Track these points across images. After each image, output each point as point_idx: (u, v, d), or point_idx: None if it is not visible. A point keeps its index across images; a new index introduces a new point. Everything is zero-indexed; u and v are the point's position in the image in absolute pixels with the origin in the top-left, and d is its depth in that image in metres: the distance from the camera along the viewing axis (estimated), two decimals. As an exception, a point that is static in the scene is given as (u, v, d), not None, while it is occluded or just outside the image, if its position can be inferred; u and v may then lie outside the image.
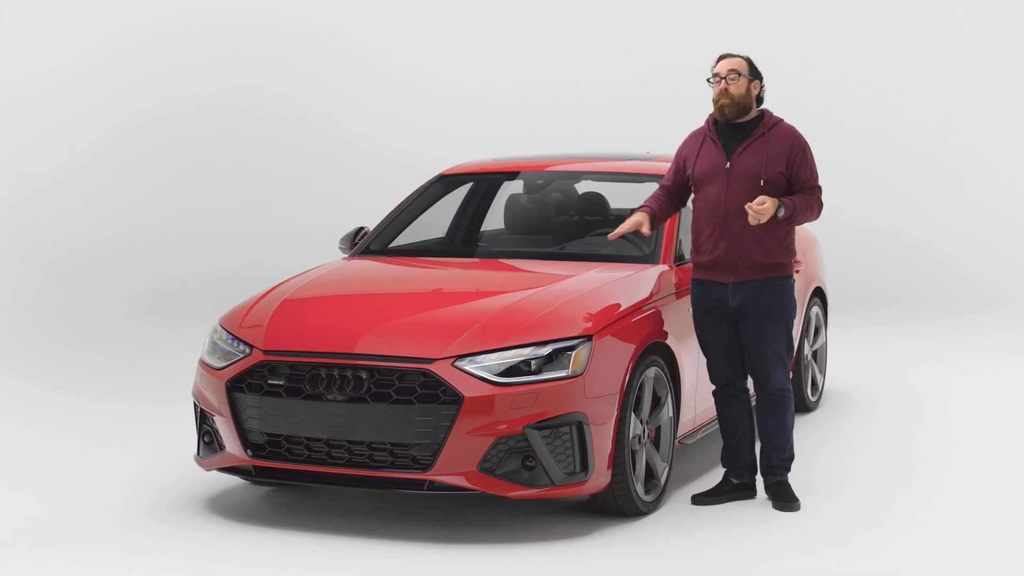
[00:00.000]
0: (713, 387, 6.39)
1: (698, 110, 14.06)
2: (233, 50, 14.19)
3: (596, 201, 7.41)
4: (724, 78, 6.05)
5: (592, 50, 14.48)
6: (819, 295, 8.42)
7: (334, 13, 14.46)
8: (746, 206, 5.91)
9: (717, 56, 6.18)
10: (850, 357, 9.89)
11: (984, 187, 14.00)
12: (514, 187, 7.69)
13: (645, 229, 6.17)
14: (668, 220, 6.69)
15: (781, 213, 5.95)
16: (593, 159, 7.77)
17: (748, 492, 6.34)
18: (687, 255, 6.78)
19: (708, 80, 6.11)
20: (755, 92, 6.13)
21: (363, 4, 14.53)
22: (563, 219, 7.35)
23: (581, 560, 5.50)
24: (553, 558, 5.52)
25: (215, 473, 6.60)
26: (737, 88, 6.06)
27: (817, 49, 14.29)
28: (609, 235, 6.36)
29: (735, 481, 6.34)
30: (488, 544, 5.69)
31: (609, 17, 14.58)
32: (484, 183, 7.81)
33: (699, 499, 6.27)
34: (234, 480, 6.62)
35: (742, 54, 6.18)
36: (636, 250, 6.79)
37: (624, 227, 6.20)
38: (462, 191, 7.77)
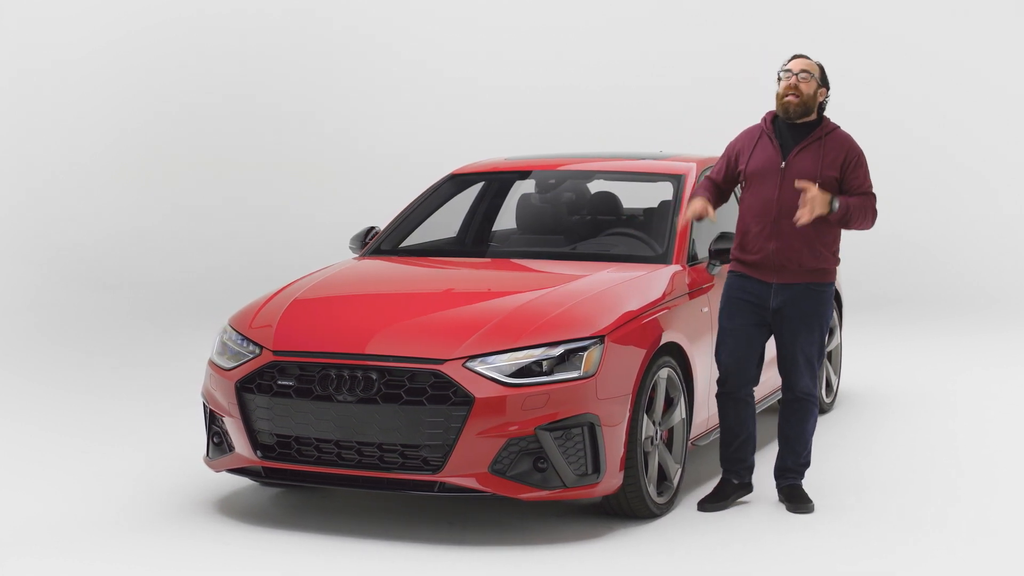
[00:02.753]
0: (720, 388, 6.25)
1: (711, 111, 14.11)
2: (242, 47, 14.18)
3: (608, 201, 7.35)
4: (796, 75, 6.00)
5: (604, 49, 14.46)
6: (835, 296, 8.34)
7: (344, 10, 14.43)
8: (799, 183, 5.84)
9: (791, 54, 6.15)
10: (858, 358, 9.87)
11: (983, 192, 14.07)
12: (526, 187, 7.63)
13: (712, 215, 6.08)
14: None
15: (836, 205, 5.85)
16: (605, 158, 7.71)
17: (746, 489, 6.29)
18: (700, 255, 6.73)
19: (779, 74, 6.05)
20: (820, 99, 6.08)
21: (372, 1, 14.50)
22: (575, 219, 7.30)
23: (592, 562, 5.45)
24: (565, 560, 5.47)
25: (223, 474, 6.55)
26: (808, 87, 6.01)
27: (834, 67, 14.24)
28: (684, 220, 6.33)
29: (735, 482, 6.26)
30: (499, 546, 5.64)
31: (621, 17, 14.55)
32: (495, 182, 7.76)
33: (706, 506, 6.16)
34: (242, 481, 6.57)
35: (817, 61, 6.13)
36: (649, 250, 6.74)
37: (691, 216, 6.10)
38: (473, 191, 7.71)
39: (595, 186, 7.49)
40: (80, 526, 5.92)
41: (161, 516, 6.07)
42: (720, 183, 6.25)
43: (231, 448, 5.94)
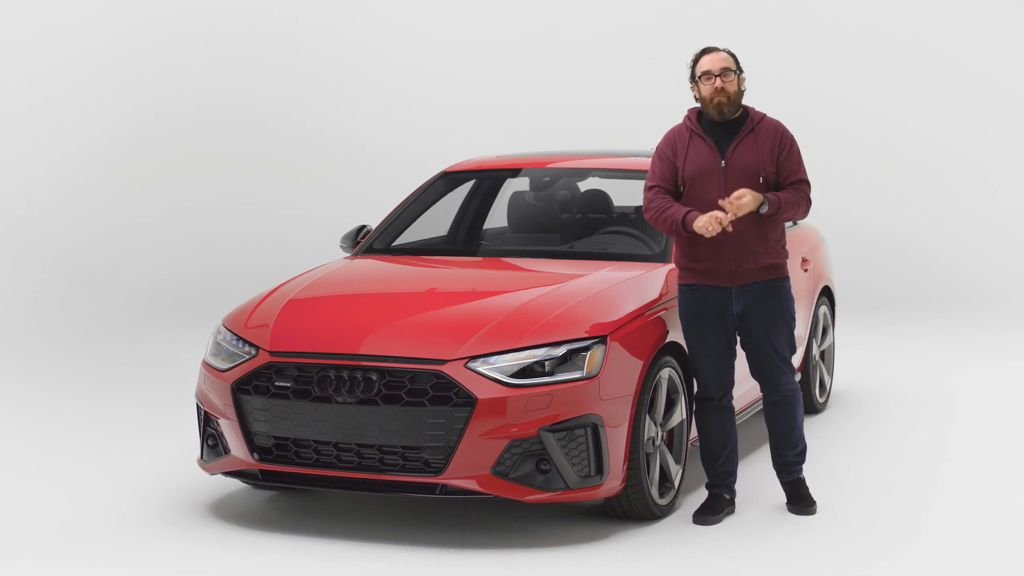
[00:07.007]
0: (702, 403, 6.07)
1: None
2: (234, 48, 14.16)
3: (600, 199, 7.28)
4: (718, 76, 5.85)
5: (598, 48, 14.42)
6: (827, 294, 8.33)
7: (336, 10, 14.37)
8: (720, 201, 5.67)
9: (699, 51, 5.95)
10: (853, 357, 9.84)
11: (978, 193, 14.06)
12: (517, 184, 7.56)
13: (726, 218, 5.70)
14: None
15: (764, 209, 5.71)
16: (597, 155, 7.64)
17: (733, 504, 6.15)
18: None
19: (696, 78, 5.88)
20: (742, 87, 5.95)
21: (362, 1, 14.44)
22: (566, 217, 7.22)
23: (594, 565, 5.40)
24: (566, 563, 5.41)
25: (219, 477, 6.45)
26: (732, 85, 5.86)
27: (832, 62, 14.32)
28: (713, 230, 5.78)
29: (727, 496, 6.13)
30: (501, 549, 5.57)
31: (615, 15, 14.52)
32: (487, 180, 7.68)
33: (703, 519, 5.99)
34: (236, 484, 6.49)
35: (725, 48, 5.97)
36: (646, 249, 6.67)
37: (713, 228, 5.67)
38: (464, 188, 7.63)
39: (586, 184, 7.41)
40: (78, 529, 5.86)
41: (157, 519, 5.99)
42: (673, 192, 5.91)
43: (226, 450, 5.84)
